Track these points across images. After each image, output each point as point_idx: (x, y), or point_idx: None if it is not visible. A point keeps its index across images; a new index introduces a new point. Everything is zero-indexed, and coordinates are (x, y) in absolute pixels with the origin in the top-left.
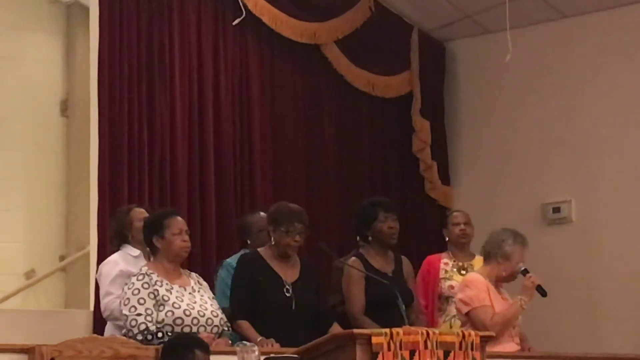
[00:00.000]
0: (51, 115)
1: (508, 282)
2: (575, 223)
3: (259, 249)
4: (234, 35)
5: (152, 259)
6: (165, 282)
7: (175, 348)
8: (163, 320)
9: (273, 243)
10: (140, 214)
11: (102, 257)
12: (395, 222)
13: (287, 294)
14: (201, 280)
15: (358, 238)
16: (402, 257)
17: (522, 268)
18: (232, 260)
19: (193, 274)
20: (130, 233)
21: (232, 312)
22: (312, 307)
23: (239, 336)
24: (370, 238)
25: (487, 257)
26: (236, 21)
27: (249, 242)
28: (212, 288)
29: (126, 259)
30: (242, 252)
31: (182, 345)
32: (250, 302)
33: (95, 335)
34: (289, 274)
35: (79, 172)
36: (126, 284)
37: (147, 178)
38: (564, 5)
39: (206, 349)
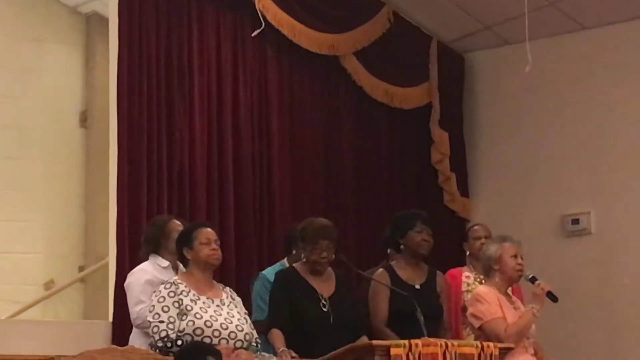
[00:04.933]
0: (70, 126)
1: (516, 282)
2: (594, 235)
3: (294, 264)
4: (252, 46)
5: (179, 271)
6: (192, 292)
7: (187, 355)
8: (184, 329)
9: (304, 259)
10: (178, 226)
11: (121, 267)
12: (429, 237)
13: (324, 309)
14: (234, 295)
15: (389, 250)
16: (438, 272)
17: (530, 276)
18: (268, 272)
19: (227, 288)
20: (167, 242)
21: (269, 323)
22: (349, 320)
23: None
24: (402, 247)
25: (487, 273)
26: (255, 32)
27: (294, 251)
28: (247, 298)
29: (155, 269)
30: (278, 264)
31: (195, 352)
32: (288, 316)
33: (114, 346)
34: (325, 288)
35: (98, 183)
36: (154, 291)
37: (166, 189)
38: (583, 17)
39: (219, 357)
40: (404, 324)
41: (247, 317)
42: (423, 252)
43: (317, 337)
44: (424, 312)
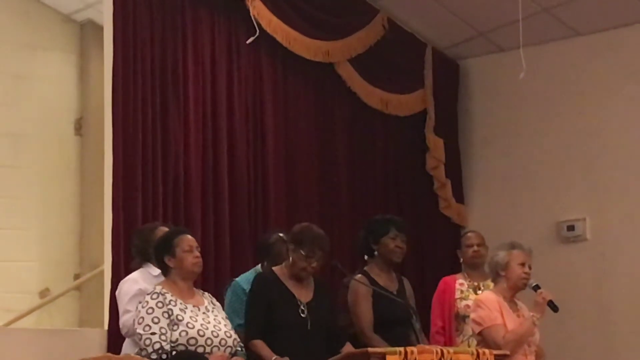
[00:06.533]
0: (65, 134)
1: (521, 289)
2: (590, 241)
3: (274, 268)
4: (247, 53)
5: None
6: (179, 301)
7: None
8: (177, 339)
9: (290, 262)
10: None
11: (116, 275)
12: (403, 244)
13: (302, 315)
14: (214, 300)
15: (366, 257)
16: (403, 277)
17: (534, 284)
18: (241, 279)
19: (206, 293)
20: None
21: (247, 331)
22: (327, 327)
23: (252, 355)
24: (375, 253)
25: (494, 278)
26: (250, 40)
27: (265, 263)
28: (223, 307)
29: (146, 278)
30: (251, 271)
31: None
32: (266, 322)
33: (109, 354)
34: (304, 293)
35: (93, 191)
36: (140, 302)
37: (161, 196)
38: (577, 23)
39: None
40: (389, 329)
41: (230, 322)
42: (396, 259)
43: (294, 342)
44: (405, 317)
